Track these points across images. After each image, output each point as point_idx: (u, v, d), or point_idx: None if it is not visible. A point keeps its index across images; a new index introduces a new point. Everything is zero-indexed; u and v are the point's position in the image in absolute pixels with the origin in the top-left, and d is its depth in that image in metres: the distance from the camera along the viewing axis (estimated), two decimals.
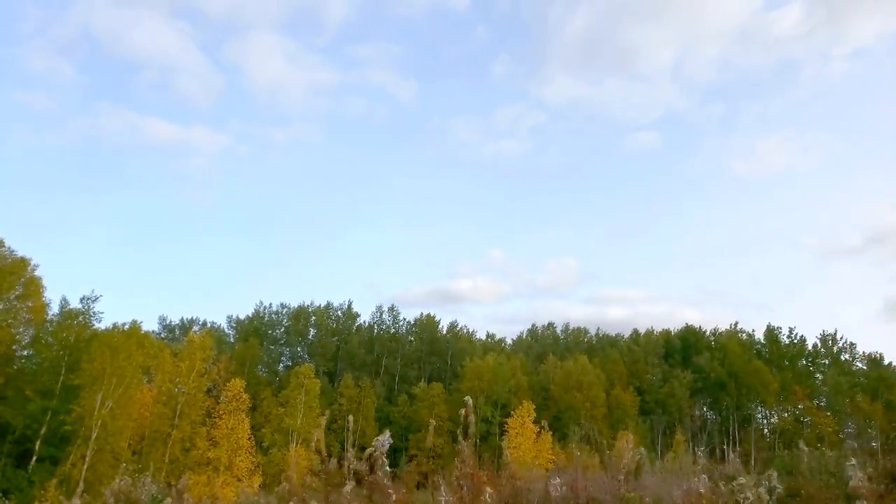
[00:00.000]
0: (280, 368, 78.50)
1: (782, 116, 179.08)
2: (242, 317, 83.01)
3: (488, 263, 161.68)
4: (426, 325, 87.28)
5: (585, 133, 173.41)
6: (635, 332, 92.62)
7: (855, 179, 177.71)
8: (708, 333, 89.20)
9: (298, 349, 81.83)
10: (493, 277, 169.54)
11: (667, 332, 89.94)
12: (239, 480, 41.21)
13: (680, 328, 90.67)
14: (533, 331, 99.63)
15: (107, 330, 42.64)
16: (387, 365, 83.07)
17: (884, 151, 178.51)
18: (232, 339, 78.52)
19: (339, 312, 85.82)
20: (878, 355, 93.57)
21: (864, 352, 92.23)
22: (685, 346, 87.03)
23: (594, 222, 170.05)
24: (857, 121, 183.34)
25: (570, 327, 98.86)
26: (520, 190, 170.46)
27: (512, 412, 59.03)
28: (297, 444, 52.21)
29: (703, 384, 79.24)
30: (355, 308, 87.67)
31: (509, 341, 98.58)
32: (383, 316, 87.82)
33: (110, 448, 40.83)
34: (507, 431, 55.25)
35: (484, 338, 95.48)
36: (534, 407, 57.53)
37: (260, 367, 74.38)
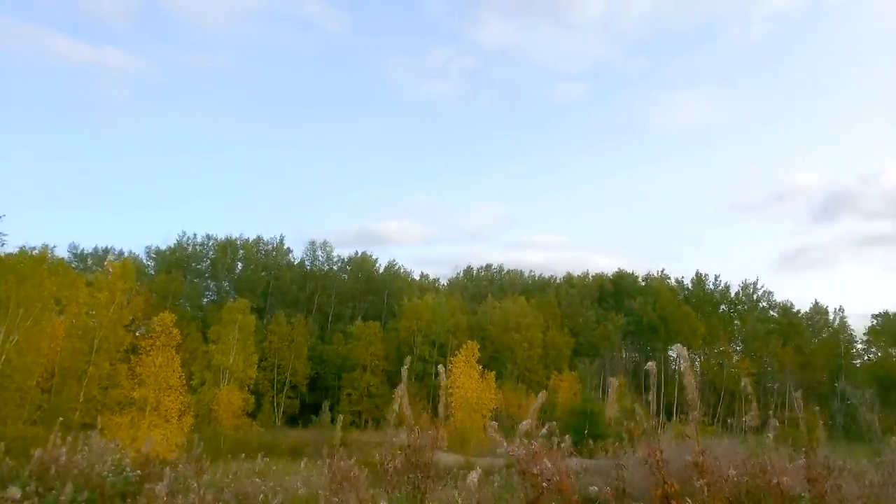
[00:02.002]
0: (204, 303, 73.86)
1: (702, 74, 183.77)
2: (163, 247, 77.22)
3: (414, 206, 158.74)
4: (361, 263, 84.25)
5: (517, 79, 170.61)
6: (569, 275, 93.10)
7: (762, 139, 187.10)
8: (640, 279, 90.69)
9: (225, 283, 77.19)
10: (419, 220, 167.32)
11: (601, 276, 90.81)
12: (167, 421, 37.79)
13: (613, 272, 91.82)
14: (469, 272, 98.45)
15: (12, 255, 37.43)
16: (319, 303, 79.84)
17: (790, 114, 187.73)
18: (151, 271, 72.87)
19: (269, 246, 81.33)
20: (789, 303, 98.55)
21: (778, 300, 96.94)
22: (618, 289, 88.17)
23: (521, 168, 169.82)
24: (768, 83, 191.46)
25: (506, 269, 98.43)
26: (449, 133, 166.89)
27: (456, 352, 57.62)
28: (228, 382, 48.93)
29: (634, 328, 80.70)
30: (287, 243, 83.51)
31: (443, 282, 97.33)
32: (316, 252, 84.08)
33: (16, 387, 36.43)
34: (452, 371, 53.79)
35: (419, 278, 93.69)
36: (478, 347, 56.25)
37: (182, 300, 69.55)
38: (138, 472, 7.19)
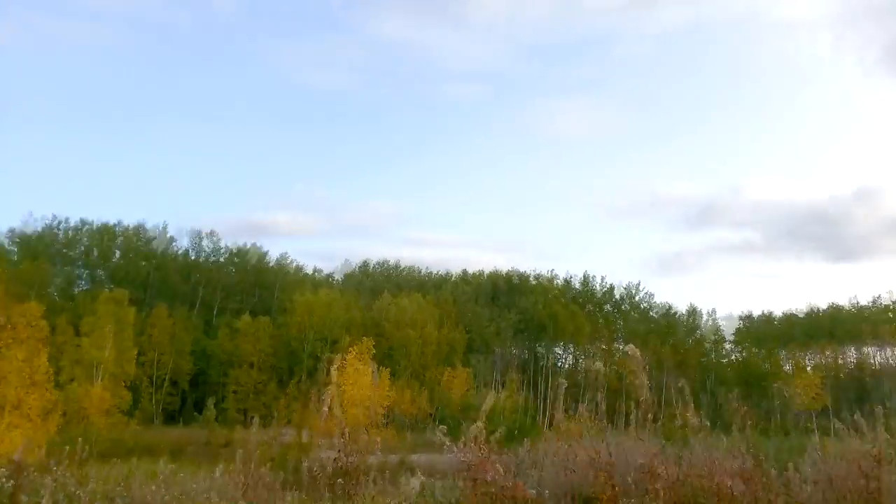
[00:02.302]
0: (76, 293, 68.06)
1: (593, 83, 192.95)
2: (29, 232, 70.26)
3: (308, 198, 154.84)
4: (250, 255, 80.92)
5: (414, 75, 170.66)
6: (464, 272, 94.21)
7: (646, 148, 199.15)
8: (531, 277, 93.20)
9: (100, 272, 71.49)
10: (313, 213, 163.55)
11: (495, 274, 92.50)
12: (30, 421, 34.23)
13: (507, 271, 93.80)
14: (364, 267, 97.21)
15: None
16: (204, 296, 75.86)
17: (671, 126, 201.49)
18: (15, 257, 66.11)
19: (150, 235, 76.23)
20: (667, 304, 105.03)
21: (657, 301, 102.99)
22: (510, 287, 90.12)
23: (416, 165, 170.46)
24: (653, 95, 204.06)
25: (402, 265, 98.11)
26: (343, 125, 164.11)
27: (351, 349, 56.52)
28: (102, 378, 45.29)
29: (525, 325, 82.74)
30: (170, 232, 78.67)
31: (337, 277, 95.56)
32: (202, 243, 79.85)
33: None
34: (346, 368, 52.71)
35: (311, 272, 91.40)
36: (373, 343, 55.40)
37: (51, 290, 63.78)
38: (11, 482, 6.08)
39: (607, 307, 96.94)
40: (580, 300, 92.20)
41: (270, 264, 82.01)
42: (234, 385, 64.63)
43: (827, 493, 7.11)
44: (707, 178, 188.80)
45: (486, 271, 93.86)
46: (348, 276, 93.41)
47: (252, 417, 62.74)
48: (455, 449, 5.29)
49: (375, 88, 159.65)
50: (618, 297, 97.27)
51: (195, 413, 54.89)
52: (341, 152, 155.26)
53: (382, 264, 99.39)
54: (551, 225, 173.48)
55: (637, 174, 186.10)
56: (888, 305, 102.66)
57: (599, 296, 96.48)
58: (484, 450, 5.11)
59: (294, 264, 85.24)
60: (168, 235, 77.25)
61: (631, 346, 6.00)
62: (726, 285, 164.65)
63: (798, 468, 7.85)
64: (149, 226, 76.34)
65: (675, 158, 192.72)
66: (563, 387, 6.95)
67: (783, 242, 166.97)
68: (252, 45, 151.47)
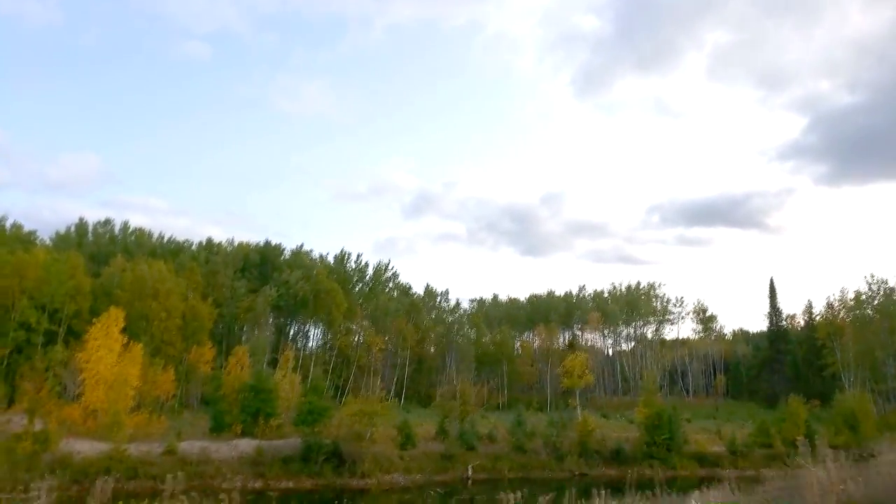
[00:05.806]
0: None
1: (326, 66, 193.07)
2: None
3: None
4: None
5: (132, 24, 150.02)
6: (209, 241, 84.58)
7: (371, 136, 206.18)
8: (287, 252, 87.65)
9: None
10: None
11: (245, 246, 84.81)
12: None
13: (260, 243, 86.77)
14: (81, 227, 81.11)
15: None
16: None
17: (396, 118, 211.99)
18: None
19: None
20: (408, 285, 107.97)
21: (402, 282, 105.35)
22: (263, 261, 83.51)
23: (125, 121, 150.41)
24: (380, 87, 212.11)
25: (132, 226, 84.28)
26: (39, 63, 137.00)
27: (98, 320, 46.01)
28: None
29: (283, 301, 77.24)
30: None
31: (43, 237, 78.41)
32: None
33: None
34: (87, 342, 42.66)
35: (9, 228, 73.31)
36: (124, 314, 45.90)
37: None
38: None
39: (360, 285, 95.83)
40: (335, 277, 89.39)
41: None
42: None
43: None
44: (424, 172, 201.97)
45: (237, 241, 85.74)
46: (62, 237, 77.00)
47: None
48: None
49: (87, 27, 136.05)
50: (368, 276, 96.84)
51: None
52: (36, 93, 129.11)
53: (104, 224, 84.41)
54: (281, 201, 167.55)
55: (364, 160, 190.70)
56: (590, 294, 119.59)
57: (352, 273, 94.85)
58: None
59: None
60: None
61: None
62: (437, 270, 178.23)
63: None
64: None
65: (398, 149, 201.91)
66: None
67: (482, 235, 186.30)
68: None
